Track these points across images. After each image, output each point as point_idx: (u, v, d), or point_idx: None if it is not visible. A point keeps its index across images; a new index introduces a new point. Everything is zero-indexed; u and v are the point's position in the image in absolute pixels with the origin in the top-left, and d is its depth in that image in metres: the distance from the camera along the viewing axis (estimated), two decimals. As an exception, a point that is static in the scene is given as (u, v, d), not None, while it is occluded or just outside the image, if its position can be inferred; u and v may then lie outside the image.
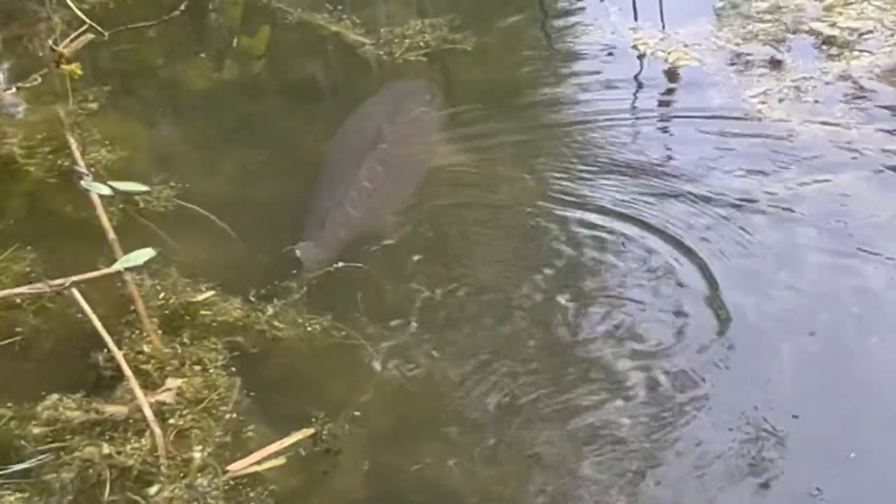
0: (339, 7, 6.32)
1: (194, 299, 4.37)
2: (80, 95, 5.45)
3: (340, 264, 4.57)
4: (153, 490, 3.73)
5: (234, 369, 4.14)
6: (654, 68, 5.82)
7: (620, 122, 5.44)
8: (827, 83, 5.58)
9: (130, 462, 3.79)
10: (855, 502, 3.71)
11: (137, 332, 4.24)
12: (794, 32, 6.04)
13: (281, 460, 3.85)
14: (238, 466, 3.81)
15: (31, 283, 4.42)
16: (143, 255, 4.31)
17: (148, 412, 3.90)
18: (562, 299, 4.46)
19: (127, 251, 4.46)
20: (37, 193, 5.01)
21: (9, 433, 3.90)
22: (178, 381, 4.05)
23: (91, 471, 3.77)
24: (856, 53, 5.82)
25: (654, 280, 4.53)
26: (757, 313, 4.37)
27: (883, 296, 4.42)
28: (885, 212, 4.76)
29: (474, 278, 4.58)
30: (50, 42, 4.91)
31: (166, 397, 4.00)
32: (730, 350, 4.21)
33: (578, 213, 4.87)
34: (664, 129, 5.39)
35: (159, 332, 4.25)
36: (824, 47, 5.92)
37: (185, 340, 4.22)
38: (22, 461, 3.80)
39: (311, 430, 3.92)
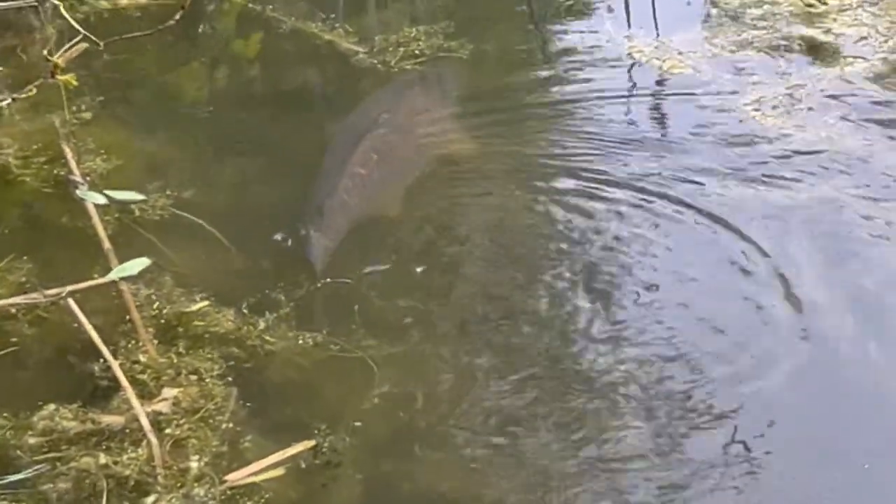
0: (332, 15, 6.33)
1: (188, 309, 4.37)
2: (75, 105, 5.44)
3: (328, 280, 4.55)
4: (150, 500, 3.71)
5: (230, 379, 4.13)
6: (649, 76, 5.82)
7: (613, 131, 5.45)
8: (821, 90, 5.59)
9: (127, 472, 3.78)
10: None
11: (133, 341, 4.23)
12: (788, 39, 6.04)
13: (280, 471, 3.84)
14: (236, 477, 3.80)
15: (26, 293, 4.41)
16: (137, 264, 4.30)
17: (144, 422, 3.89)
18: (562, 307, 4.46)
19: (122, 260, 4.44)
20: (32, 203, 5.00)
21: (5, 443, 3.88)
22: (175, 391, 4.05)
23: (88, 481, 3.76)
24: (850, 60, 5.84)
25: (646, 289, 4.54)
26: (747, 320, 4.38)
27: (876, 303, 4.42)
28: (879, 219, 4.77)
29: (472, 284, 4.59)
30: (45, 52, 4.89)
31: (163, 407, 4.00)
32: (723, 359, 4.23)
33: (571, 222, 4.87)
34: (657, 138, 5.38)
35: (155, 341, 4.24)
36: (818, 54, 5.92)
37: (181, 350, 4.21)
38: (18, 472, 3.78)
39: (312, 443, 3.91)
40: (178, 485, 3.76)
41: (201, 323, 4.32)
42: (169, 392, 4.04)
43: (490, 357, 4.26)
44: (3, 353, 4.24)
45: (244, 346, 4.26)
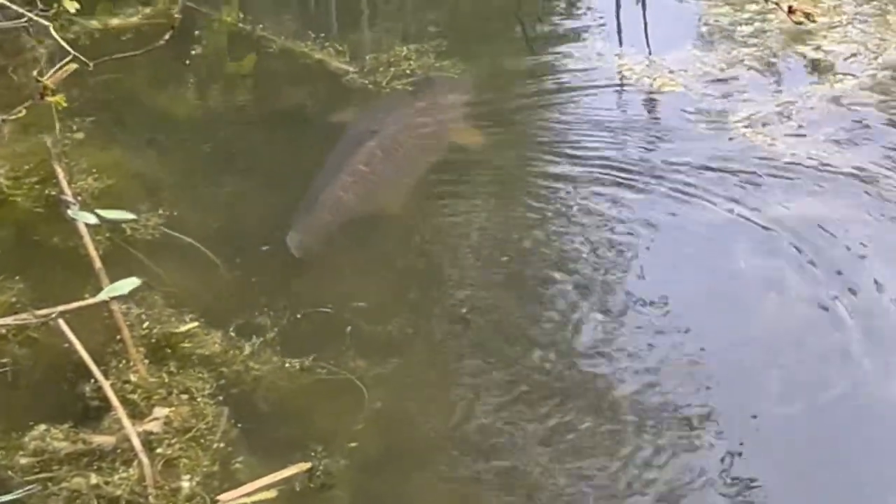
0: (322, 34, 6.32)
1: (177, 330, 4.37)
2: (66, 125, 5.45)
3: (309, 310, 4.55)
4: (142, 520, 3.73)
5: (221, 398, 4.13)
6: (639, 94, 5.82)
7: (603, 148, 5.45)
8: (811, 107, 5.60)
9: (118, 492, 3.77)
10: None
11: (124, 361, 4.23)
12: (778, 56, 6.06)
13: (272, 493, 3.83)
14: (228, 497, 3.79)
15: (16, 313, 4.40)
16: (128, 284, 4.30)
17: (135, 442, 3.89)
18: (552, 324, 4.47)
19: (114, 280, 4.45)
20: (23, 223, 5.00)
21: (-4, 464, 3.90)
22: (166, 411, 4.04)
23: (79, 501, 3.76)
24: (840, 76, 5.84)
25: (638, 305, 4.55)
26: (739, 336, 4.39)
27: (865, 319, 4.43)
28: (868, 236, 4.78)
29: (465, 302, 4.60)
30: (34, 73, 4.90)
31: (154, 427, 3.99)
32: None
33: (559, 239, 4.89)
34: (646, 157, 5.36)
35: (146, 361, 4.24)
36: (809, 70, 5.94)
37: (172, 369, 4.21)
38: (9, 492, 3.78)
39: (307, 465, 3.90)
40: (170, 505, 3.76)
41: (188, 345, 4.31)
42: (160, 411, 4.04)
43: (482, 375, 4.26)
44: (-6, 373, 4.25)
45: (232, 368, 4.27)
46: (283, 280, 4.69)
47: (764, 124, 5.47)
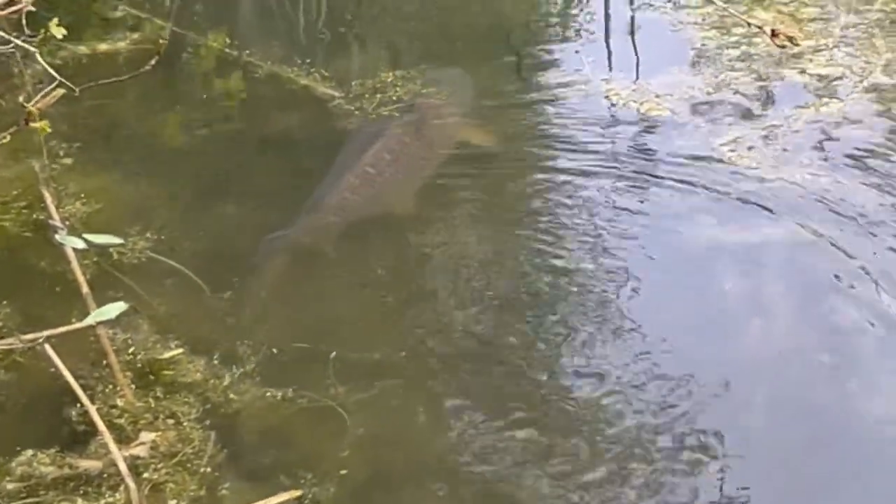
0: (308, 60, 6.35)
1: (161, 357, 4.37)
2: (55, 150, 5.47)
3: (288, 346, 4.53)
4: (128, 545, 3.73)
5: (208, 423, 4.14)
6: (626, 119, 5.84)
7: (589, 172, 5.46)
8: (796, 131, 5.61)
9: (105, 517, 3.79)
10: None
11: (111, 385, 4.23)
12: (764, 80, 6.08)
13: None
14: (220, 523, 3.81)
15: (3, 338, 4.40)
16: (115, 308, 4.29)
17: (122, 466, 3.88)
18: (537, 346, 4.48)
19: (101, 304, 4.43)
20: (11, 248, 5.01)
21: (-18, 489, 3.90)
22: (152, 435, 4.05)
23: (65, 526, 3.77)
24: (825, 100, 5.87)
25: (620, 327, 4.56)
26: (724, 359, 4.40)
27: (853, 342, 4.45)
28: (853, 259, 4.80)
29: (447, 324, 4.61)
30: (20, 99, 4.91)
31: (140, 451, 3.99)
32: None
33: (546, 263, 4.91)
34: (634, 181, 5.38)
35: (132, 385, 4.24)
36: (794, 94, 5.96)
37: (159, 394, 4.21)
38: (-4, 517, 3.79)
39: (298, 492, 3.89)
40: (157, 530, 3.77)
41: (171, 372, 4.32)
42: (146, 436, 4.04)
43: (465, 398, 4.27)
44: (-20, 398, 4.25)
45: (218, 392, 4.27)
46: (268, 305, 4.71)
47: (749, 147, 5.49)
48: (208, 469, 3.97)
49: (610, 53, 6.54)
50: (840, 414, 4.19)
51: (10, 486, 3.88)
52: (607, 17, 7.01)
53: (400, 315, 4.67)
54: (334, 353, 4.41)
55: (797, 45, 6.02)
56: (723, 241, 4.95)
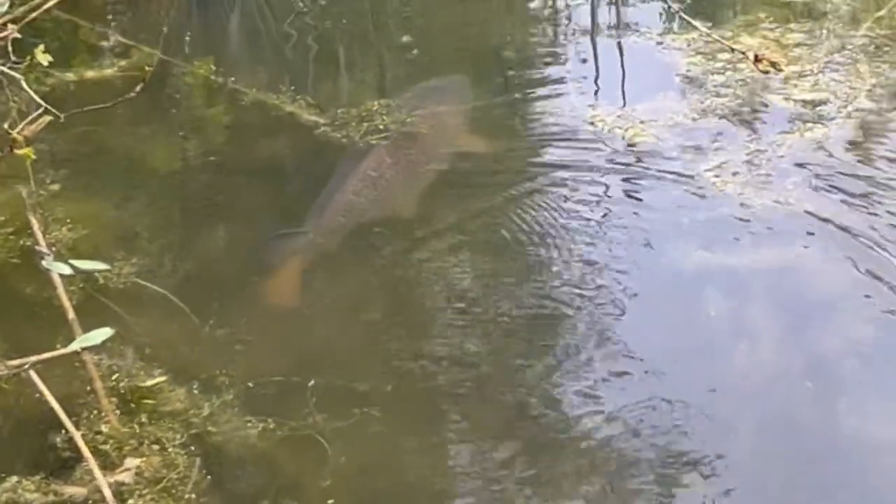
0: (293, 87, 6.35)
1: (143, 384, 4.38)
2: (43, 177, 5.48)
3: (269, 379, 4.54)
4: (112, 572, 3.72)
5: (192, 448, 4.14)
6: (610, 145, 5.84)
7: (572, 199, 5.48)
8: (780, 156, 5.63)
9: (90, 543, 3.78)
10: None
11: (96, 412, 4.23)
12: (749, 105, 6.11)
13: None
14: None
15: (-12, 364, 4.42)
16: (100, 334, 4.28)
17: (107, 493, 3.87)
18: (521, 371, 4.49)
19: (87, 330, 4.43)
20: (-2, 274, 5.03)
21: (-32, 517, 3.89)
22: (137, 461, 4.04)
23: (50, 553, 3.77)
24: (810, 125, 5.89)
25: (609, 352, 4.57)
26: (711, 385, 4.41)
27: (835, 368, 4.46)
28: (837, 285, 4.82)
29: (430, 351, 4.63)
30: (5, 126, 4.92)
31: (125, 477, 3.99)
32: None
33: (530, 289, 4.93)
34: (619, 205, 5.41)
35: (117, 411, 4.25)
36: (779, 119, 5.98)
37: (144, 420, 4.21)
38: (-19, 545, 3.79)
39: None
40: (141, 556, 3.76)
41: (151, 401, 4.32)
42: (131, 462, 4.04)
43: (451, 426, 4.29)
44: (-36, 425, 4.25)
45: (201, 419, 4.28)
46: (253, 332, 4.72)
47: (734, 173, 5.51)
48: (193, 495, 3.97)
49: (596, 79, 6.56)
50: (827, 437, 4.21)
51: (-5, 514, 3.89)
52: (594, 43, 7.04)
53: (384, 342, 4.68)
54: (312, 382, 4.42)
55: (780, 70, 6.03)
56: (708, 266, 4.95)
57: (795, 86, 6.26)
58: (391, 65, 6.99)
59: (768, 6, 7.15)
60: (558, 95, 6.38)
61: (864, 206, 5.23)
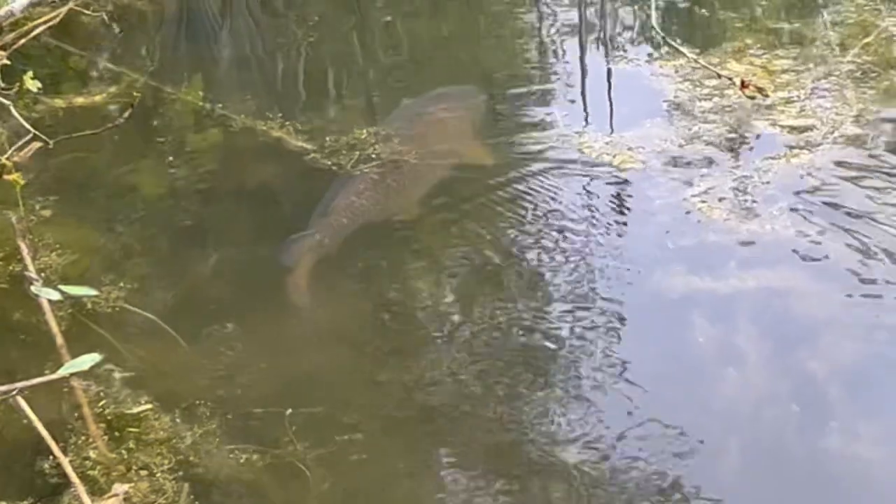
0: (281, 114, 6.36)
1: (129, 411, 4.38)
2: (31, 203, 5.49)
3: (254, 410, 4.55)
4: None
5: (181, 473, 4.14)
6: (599, 172, 5.86)
7: (560, 226, 5.48)
8: (766, 182, 5.65)
9: (77, 570, 3.78)
10: None
11: (84, 437, 4.24)
12: (736, 131, 6.13)
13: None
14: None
15: (-24, 390, 4.41)
16: (88, 360, 4.29)
17: (95, 518, 3.90)
18: (506, 396, 4.51)
19: (75, 355, 4.44)
20: (-13, 300, 5.03)
21: (-45, 544, 3.89)
22: (125, 487, 4.04)
23: (38, 579, 3.76)
24: (796, 151, 5.91)
25: (599, 383, 4.59)
26: (698, 409, 4.43)
27: (823, 390, 4.48)
28: (824, 308, 4.84)
29: (418, 381, 4.63)
30: (-4, 153, 4.96)
31: (113, 503, 3.99)
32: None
33: (517, 314, 4.93)
34: (607, 231, 5.42)
35: (105, 437, 4.25)
36: (766, 145, 6.00)
37: (131, 445, 4.22)
38: (-32, 572, 3.78)
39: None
40: (129, 582, 3.76)
41: (136, 430, 4.32)
42: (119, 488, 4.04)
43: (438, 454, 4.29)
44: (-48, 451, 4.25)
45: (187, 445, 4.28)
46: (240, 357, 4.73)
47: (720, 199, 5.52)
48: (181, 520, 3.98)
49: (584, 106, 6.58)
50: (814, 459, 4.23)
51: (-17, 540, 3.89)
52: (583, 70, 7.07)
53: (369, 368, 4.69)
54: (290, 411, 4.42)
55: (767, 96, 6.09)
56: (695, 292, 4.97)
57: (782, 112, 6.28)
58: (378, 88, 7.01)
59: (756, 32, 7.18)
60: (546, 123, 6.38)
61: (849, 232, 5.25)
